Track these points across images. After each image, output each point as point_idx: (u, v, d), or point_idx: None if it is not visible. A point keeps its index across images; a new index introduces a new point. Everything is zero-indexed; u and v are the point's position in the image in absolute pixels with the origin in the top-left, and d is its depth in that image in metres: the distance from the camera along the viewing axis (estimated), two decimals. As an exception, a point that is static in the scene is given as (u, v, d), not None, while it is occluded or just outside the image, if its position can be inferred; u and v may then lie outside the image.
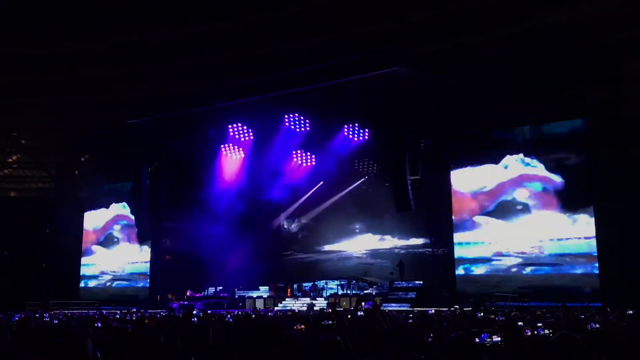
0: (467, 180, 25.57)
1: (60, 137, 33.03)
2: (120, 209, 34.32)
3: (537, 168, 24.12)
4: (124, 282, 33.72)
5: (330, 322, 8.65)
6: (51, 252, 34.08)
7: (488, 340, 4.64)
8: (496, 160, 24.97)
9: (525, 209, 24.22)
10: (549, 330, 7.31)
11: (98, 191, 35.27)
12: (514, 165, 24.63)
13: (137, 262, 33.32)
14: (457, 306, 20.16)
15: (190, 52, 24.61)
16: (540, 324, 8.11)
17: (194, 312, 14.08)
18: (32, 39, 24.56)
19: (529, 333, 7.61)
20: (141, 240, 33.07)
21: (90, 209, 35.54)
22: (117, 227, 34.57)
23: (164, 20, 23.16)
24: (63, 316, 18.65)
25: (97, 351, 4.80)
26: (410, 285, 27.07)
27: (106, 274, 34.48)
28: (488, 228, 24.92)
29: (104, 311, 24.11)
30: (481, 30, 21.53)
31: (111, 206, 34.81)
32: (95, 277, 34.89)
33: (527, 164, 24.35)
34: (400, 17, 21.52)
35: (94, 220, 35.42)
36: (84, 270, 35.16)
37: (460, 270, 25.29)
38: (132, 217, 32.71)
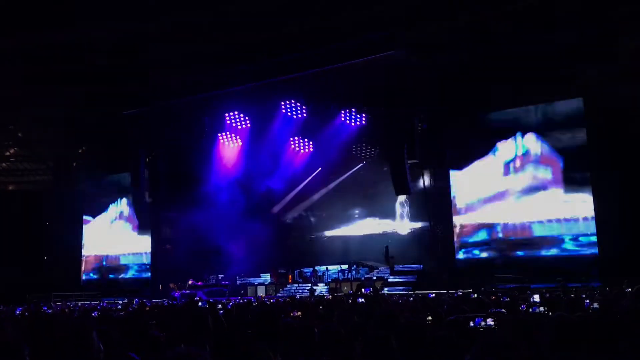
0: (465, 163, 25.58)
1: (58, 130, 32.95)
2: (120, 199, 34.34)
3: (536, 148, 24.14)
4: (126, 272, 33.82)
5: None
6: (52, 245, 34.14)
7: (482, 324, 4.67)
8: (494, 142, 24.99)
9: (524, 189, 24.25)
10: (544, 308, 7.35)
11: (96, 182, 35.27)
12: (512, 146, 24.65)
13: (138, 252, 33.40)
14: (460, 292, 20.17)
15: (184, 40, 24.48)
16: (537, 300, 8.16)
17: (200, 302, 14.17)
18: (26, 30, 24.42)
19: (525, 308, 7.66)
20: (142, 230, 33.13)
21: (89, 200, 35.54)
22: (117, 217, 34.61)
23: (157, 8, 23.02)
24: (66, 307, 18.73)
25: (100, 342, 4.83)
26: (410, 268, 27.22)
27: (107, 264, 34.57)
28: (487, 210, 24.97)
29: (105, 302, 24.19)
30: (477, 9, 21.39)
31: (111, 197, 34.86)
32: (96, 267, 34.98)
33: (525, 144, 24.36)
34: (395, 1, 21.39)
35: (94, 211, 35.47)
36: (85, 262, 35.27)
37: (460, 255, 25.37)
38: (132, 208, 32.77)
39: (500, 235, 24.70)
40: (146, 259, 32.97)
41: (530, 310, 7.67)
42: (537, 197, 23.93)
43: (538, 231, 23.83)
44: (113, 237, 34.66)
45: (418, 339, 3.88)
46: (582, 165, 23.18)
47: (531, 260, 23.76)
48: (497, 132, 25.04)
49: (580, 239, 23.00)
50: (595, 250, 22.48)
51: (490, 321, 4.72)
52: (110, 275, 34.39)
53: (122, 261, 34.06)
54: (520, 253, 24.13)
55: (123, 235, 34.26)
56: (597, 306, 7.50)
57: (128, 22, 23.94)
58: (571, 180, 23.30)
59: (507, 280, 21.96)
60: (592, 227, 22.72)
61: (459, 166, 25.79)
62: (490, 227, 24.88)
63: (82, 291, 32.85)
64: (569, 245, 23.20)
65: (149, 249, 32.92)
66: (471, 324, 4.70)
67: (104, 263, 34.76)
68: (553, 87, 23.19)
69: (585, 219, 22.91)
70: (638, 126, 21.83)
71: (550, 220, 23.64)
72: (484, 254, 24.93)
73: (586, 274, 21.41)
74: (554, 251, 23.46)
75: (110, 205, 35.03)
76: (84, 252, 35.36)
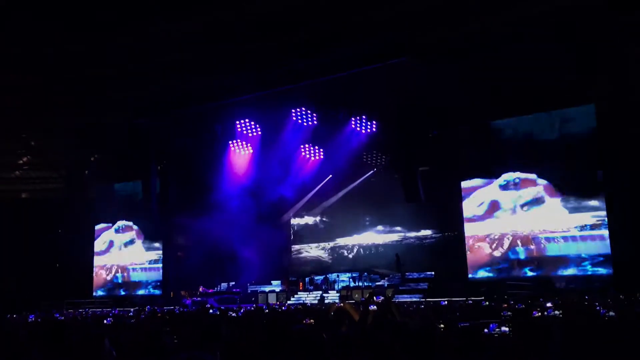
0: (476, 170, 25.44)
1: (70, 138, 33.18)
2: (131, 207, 34.42)
3: (547, 157, 23.96)
4: (137, 280, 33.89)
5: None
6: (64, 253, 34.31)
7: (497, 330, 4.64)
8: (505, 149, 24.85)
9: (535, 199, 24.06)
10: (559, 310, 7.29)
11: (108, 190, 35.44)
12: (523, 153, 24.49)
13: (149, 260, 33.49)
14: (471, 300, 19.98)
15: (195, 48, 24.58)
16: (549, 305, 8.10)
17: (210, 309, 14.19)
18: (38, 38, 24.64)
19: (538, 314, 7.60)
20: (153, 238, 33.24)
21: (100, 206, 35.66)
22: (128, 225, 34.72)
23: (168, 15, 23.14)
24: (78, 315, 18.82)
25: (113, 350, 4.84)
26: (422, 276, 27.10)
27: (119, 272, 34.65)
28: (498, 219, 24.80)
29: (117, 309, 24.27)
30: (486, 15, 21.29)
31: (122, 205, 34.98)
32: (108, 275, 35.06)
33: (537, 153, 24.20)
34: (405, 6, 21.36)
35: (105, 219, 35.59)
36: (97, 270, 35.37)
37: (473, 274, 25.14)
38: (143, 216, 32.86)
39: (512, 243, 24.45)
40: (157, 267, 32.99)
41: (545, 313, 7.62)
42: (547, 207, 23.73)
43: (551, 250, 23.50)
44: (124, 245, 34.73)
45: (428, 344, 3.86)
46: (594, 174, 22.96)
47: (545, 279, 23.51)
48: (508, 138, 24.90)
49: (593, 248, 22.70)
50: (610, 269, 22.14)
51: (505, 328, 4.68)
52: (121, 283, 34.43)
53: (134, 278, 34.03)
54: (531, 262, 23.89)
55: (134, 243, 34.31)
56: (613, 314, 7.41)
57: (139, 29, 24.09)
58: (583, 189, 23.09)
59: (520, 288, 21.80)
60: (605, 235, 22.43)
61: (471, 174, 25.62)
62: (501, 236, 24.65)
63: (94, 298, 33.00)
64: (580, 253, 22.91)
65: (159, 257, 32.96)
66: (485, 330, 4.67)
67: (116, 279, 34.74)
68: (564, 93, 23.03)
69: (597, 227, 22.64)
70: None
71: (565, 239, 23.29)
72: (496, 261, 24.71)
73: (603, 292, 20.97)
74: (569, 271, 23.12)
75: (121, 214, 35.10)
76: (96, 260, 35.42)
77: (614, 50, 21.63)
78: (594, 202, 22.81)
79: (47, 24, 23.70)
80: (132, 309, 23.16)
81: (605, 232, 22.43)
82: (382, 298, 8.21)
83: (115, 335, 5.86)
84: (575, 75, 22.29)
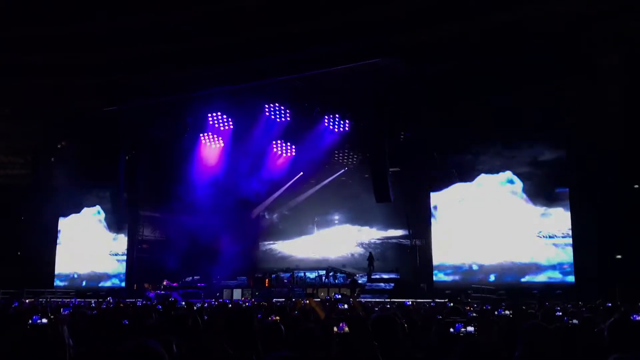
0: (445, 172, 25.66)
1: (37, 124, 32.47)
2: (97, 197, 33.83)
3: (515, 163, 24.29)
4: (100, 271, 33.30)
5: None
6: (26, 240, 33.55)
7: (462, 330, 4.69)
8: (475, 153, 25.11)
9: (502, 203, 24.37)
10: (509, 311, 7.40)
11: (74, 179, 34.72)
12: (492, 159, 24.79)
13: (113, 251, 32.94)
14: (435, 302, 20.10)
15: (170, 39, 24.32)
16: (503, 304, 8.23)
17: (174, 302, 14.01)
18: (7, 23, 24.09)
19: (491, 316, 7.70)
20: (118, 229, 32.69)
21: (66, 194, 34.94)
22: (93, 215, 34.11)
23: (142, 5, 22.85)
24: (38, 304, 18.40)
25: (70, 338, 4.73)
26: (388, 276, 27.25)
27: (82, 262, 34.00)
28: (465, 222, 25.05)
29: (77, 300, 23.81)
30: (460, 21, 21.50)
31: (88, 194, 34.33)
32: (70, 266, 34.37)
33: (505, 158, 24.51)
34: (381, 7, 21.44)
35: (69, 208, 34.88)
36: (59, 259, 34.65)
37: (436, 278, 25.30)
38: (109, 206, 32.31)
39: (478, 247, 24.71)
40: (121, 258, 32.45)
41: (496, 313, 7.73)
42: (514, 212, 24.06)
43: (518, 257, 23.79)
44: (89, 235, 34.07)
45: (388, 329, 3.87)
46: (560, 180, 23.38)
47: (507, 273, 23.87)
48: (477, 144, 25.17)
49: (558, 254, 23.10)
50: (571, 267, 22.58)
51: (470, 328, 4.71)
52: (84, 273, 33.77)
53: (97, 269, 33.31)
54: (496, 266, 24.19)
55: (99, 233, 33.69)
56: (577, 322, 7.44)
57: (111, 18, 23.75)
58: (549, 195, 23.49)
59: (484, 292, 22.07)
60: (569, 243, 22.86)
61: (439, 175, 25.82)
62: (468, 240, 24.89)
63: (55, 288, 32.32)
64: (545, 261, 23.29)
65: (124, 248, 32.42)
66: (451, 330, 4.70)
67: (79, 261, 34.02)
68: (532, 101, 23.31)
69: (562, 234, 23.05)
70: (616, 144, 22.10)
71: (527, 234, 23.69)
72: (461, 265, 24.96)
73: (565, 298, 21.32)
74: (534, 277, 23.47)
75: (87, 203, 34.46)
76: (59, 249, 34.69)
77: (583, 64, 22.02)
78: (560, 212, 23.21)
79: (19, 10, 23.22)
80: (93, 300, 22.75)
81: (569, 241, 22.86)
82: (345, 306, 8.27)
83: (74, 324, 5.74)
84: (544, 82, 22.61)
